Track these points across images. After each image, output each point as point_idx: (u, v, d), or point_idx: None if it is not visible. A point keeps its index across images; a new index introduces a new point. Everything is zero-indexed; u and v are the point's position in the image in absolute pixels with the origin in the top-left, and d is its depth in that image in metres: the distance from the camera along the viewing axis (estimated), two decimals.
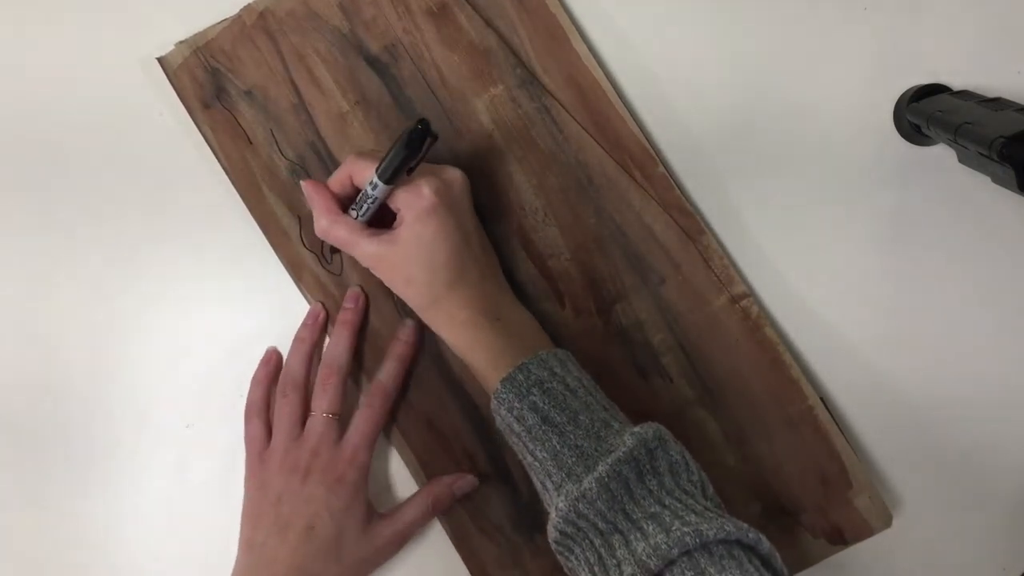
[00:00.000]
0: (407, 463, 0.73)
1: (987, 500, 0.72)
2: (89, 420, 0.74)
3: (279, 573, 0.66)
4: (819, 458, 0.70)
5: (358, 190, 0.65)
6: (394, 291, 0.67)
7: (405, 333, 0.71)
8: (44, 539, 0.75)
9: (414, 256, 0.63)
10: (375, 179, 0.61)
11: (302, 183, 0.67)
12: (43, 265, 0.75)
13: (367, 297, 0.72)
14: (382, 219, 0.65)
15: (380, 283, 0.71)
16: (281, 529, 0.67)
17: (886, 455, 0.72)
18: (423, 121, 0.59)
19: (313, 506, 0.67)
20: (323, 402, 0.69)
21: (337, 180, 0.66)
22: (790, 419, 0.70)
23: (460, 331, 0.65)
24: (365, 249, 0.64)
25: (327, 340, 0.72)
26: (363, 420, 0.69)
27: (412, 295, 0.66)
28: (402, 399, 0.72)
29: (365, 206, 0.64)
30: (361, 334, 0.72)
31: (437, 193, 0.63)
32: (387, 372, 0.70)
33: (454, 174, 0.66)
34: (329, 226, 0.65)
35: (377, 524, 0.70)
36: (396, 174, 0.61)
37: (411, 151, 0.59)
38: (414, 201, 0.63)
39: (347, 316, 0.71)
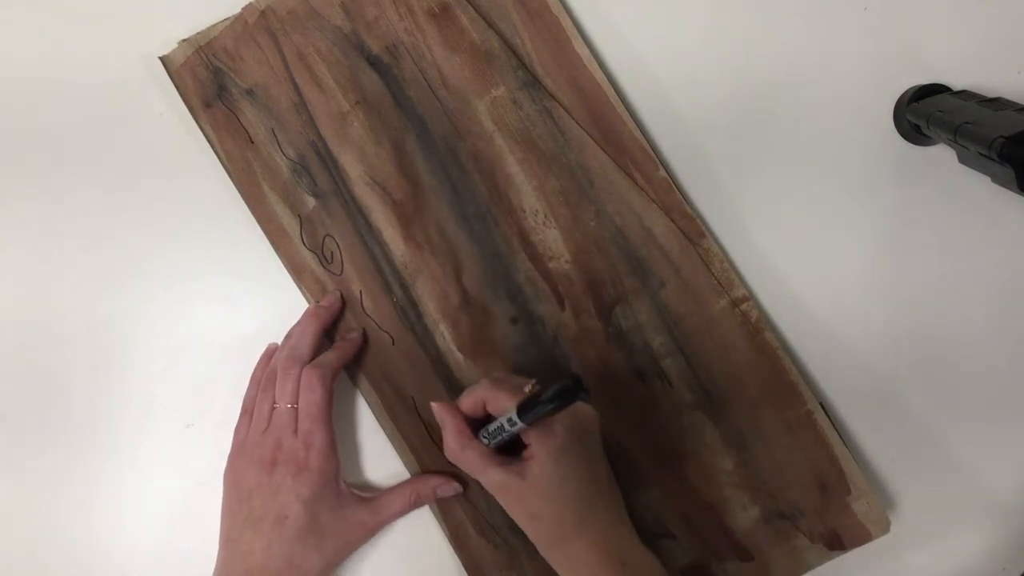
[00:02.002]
0: (406, 463, 0.73)
1: (986, 502, 0.72)
2: (89, 420, 0.74)
3: (256, 564, 0.66)
4: (818, 463, 0.70)
5: (488, 414, 0.65)
6: (518, 524, 0.65)
7: (353, 337, 0.72)
8: (44, 539, 0.75)
9: (543, 493, 0.62)
10: (514, 418, 0.60)
11: (433, 405, 0.66)
12: (43, 264, 0.75)
13: (344, 305, 0.73)
14: (511, 442, 0.65)
15: (379, 284, 0.72)
16: (255, 522, 0.67)
17: (885, 460, 0.72)
18: (577, 379, 0.57)
19: (282, 496, 0.67)
20: (285, 393, 0.69)
21: (470, 403, 0.65)
22: (789, 423, 0.70)
23: (583, 574, 0.64)
24: (493, 477, 0.63)
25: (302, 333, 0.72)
26: (307, 404, 0.69)
27: (536, 531, 0.64)
28: (402, 399, 0.72)
29: (499, 437, 0.63)
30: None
31: (570, 432, 0.62)
32: (327, 357, 0.70)
33: (588, 413, 0.65)
34: (460, 451, 0.64)
35: (355, 508, 0.70)
36: (538, 420, 0.60)
37: (560, 406, 0.59)
38: (548, 439, 0.62)
39: (319, 311, 0.72)
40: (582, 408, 0.64)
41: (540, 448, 0.62)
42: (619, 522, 0.65)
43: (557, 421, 0.62)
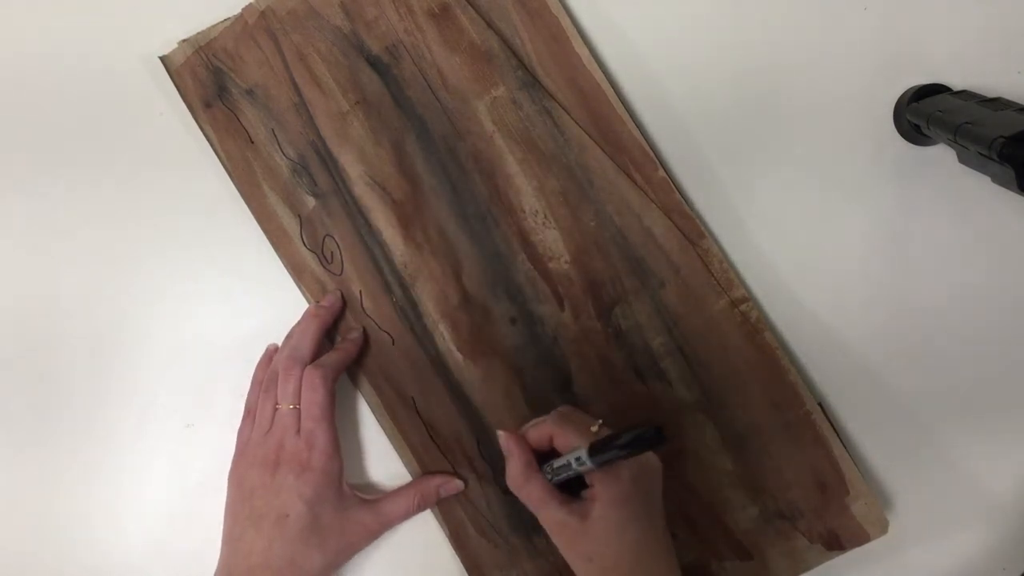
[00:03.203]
0: (406, 464, 0.73)
1: (986, 502, 0.72)
2: (89, 420, 0.74)
3: (257, 563, 0.66)
4: (816, 463, 0.70)
5: (551, 448, 0.64)
6: (571, 565, 0.64)
7: (354, 337, 0.72)
8: (44, 538, 0.75)
9: (601, 536, 0.62)
10: (584, 457, 0.60)
11: (500, 434, 0.66)
12: (43, 265, 0.75)
13: (344, 305, 0.73)
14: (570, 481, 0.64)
15: (379, 284, 0.72)
16: (256, 521, 0.67)
17: (884, 460, 0.72)
18: (658, 429, 0.57)
19: (284, 496, 0.67)
20: (287, 394, 0.69)
21: (536, 436, 0.65)
22: (788, 424, 0.70)
23: None
24: (554, 515, 0.63)
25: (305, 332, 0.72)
26: (309, 404, 0.69)
27: (589, 572, 0.63)
28: (402, 399, 0.72)
29: (563, 474, 0.63)
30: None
31: (635, 481, 0.62)
32: (329, 358, 0.70)
33: (653, 463, 0.64)
34: (524, 484, 0.64)
35: (358, 510, 0.70)
36: (609, 463, 0.60)
37: (635, 452, 0.58)
38: (612, 484, 0.61)
39: (319, 312, 0.72)
40: (649, 457, 0.64)
41: (604, 491, 0.61)
42: (672, 572, 0.64)
43: (624, 466, 0.61)
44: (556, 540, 0.64)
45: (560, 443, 0.63)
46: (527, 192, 0.72)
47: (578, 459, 0.60)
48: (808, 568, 0.70)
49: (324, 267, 0.73)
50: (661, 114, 0.73)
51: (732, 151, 0.72)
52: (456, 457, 0.72)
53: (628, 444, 0.57)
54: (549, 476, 0.64)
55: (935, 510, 0.72)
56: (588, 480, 0.62)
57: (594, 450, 0.59)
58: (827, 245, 0.72)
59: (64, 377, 0.75)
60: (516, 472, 0.64)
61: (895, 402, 0.72)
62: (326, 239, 0.72)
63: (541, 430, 0.64)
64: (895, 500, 0.72)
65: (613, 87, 0.71)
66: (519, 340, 0.72)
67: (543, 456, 0.64)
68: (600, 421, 0.63)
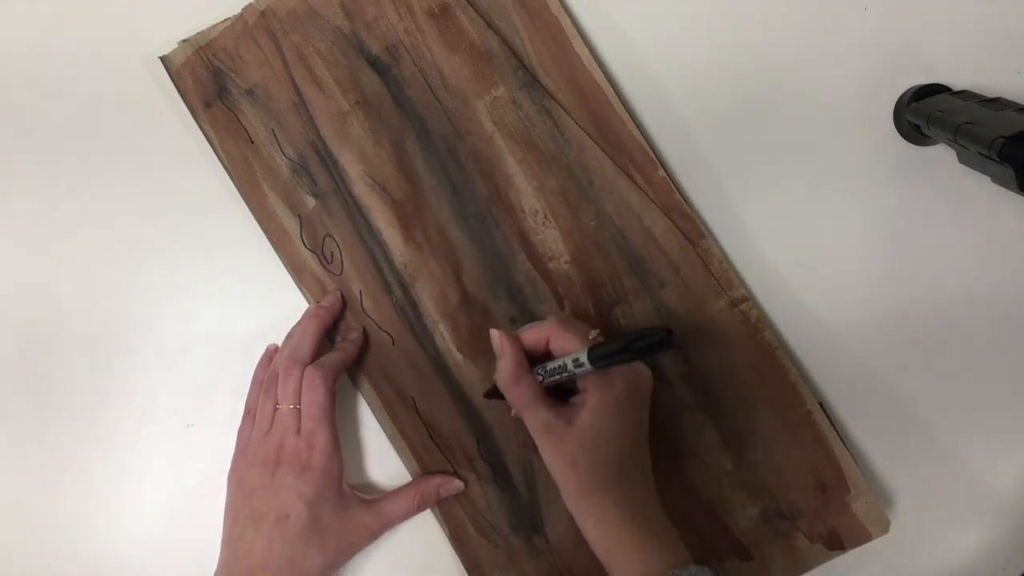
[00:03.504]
0: (406, 464, 0.73)
1: (986, 502, 0.72)
2: (89, 420, 0.75)
3: (256, 563, 0.66)
4: (817, 463, 0.70)
5: (547, 351, 0.64)
6: (550, 469, 0.64)
7: (354, 338, 0.72)
8: (44, 538, 0.75)
9: (587, 441, 0.62)
10: (584, 360, 0.60)
11: (493, 332, 0.66)
12: (43, 264, 0.75)
13: (345, 305, 0.73)
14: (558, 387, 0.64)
15: (379, 284, 0.72)
16: (256, 521, 0.67)
17: (884, 460, 0.72)
18: (668, 331, 0.57)
19: (284, 495, 0.67)
20: (287, 394, 0.69)
21: (532, 337, 0.65)
22: (788, 423, 0.70)
23: (608, 529, 0.63)
24: (540, 416, 0.63)
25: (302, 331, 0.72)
26: (310, 404, 0.69)
27: (570, 478, 0.63)
28: (402, 399, 0.72)
29: (556, 377, 0.63)
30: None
31: (628, 388, 0.62)
32: (329, 358, 0.70)
33: (645, 373, 0.65)
34: (514, 383, 0.64)
35: (358, 510, 0.70)
36: (609, 366, 0.59)
37: (642, 356, 0.58)
38: (606, 390, 0.62)
39: (319, 312, 0.72)
40: (641, 367, 0.64)
41: (595, 397, 0.62)
42: (650, 486, 0.65)
43: (618, 374, 0.62)
44: (539, 442, 0.64)
45: (557, 346, 0.63)
46: (527, 192, 0.72)
47: (576, 361, 0.60)
48: (809, 568, 0.70)
49: (324, 267, 0.73)
50: (661, 114, 0.73)
51: (732, 151, 0.72)
52: (456, 457, 0.72)
53: (639, 351, 0.57)
54: (540, 378, 0.64)
55: (936, 510, 0.72)
56: (580, 385, 0.63)
57: (595, 353, 0.59)
58: (827, 245, 0.72)
59: (64, 377, 0.75)
60: (507, 371, 0.64)
61: (895, 402, 0.72)
62: (326, 239, 0.72)
63: (537, 332, 0.65)
64: (896, 499, 0.72)
65: (613, 87, 0.71)
66: None
67: (535, 360, 0.65)
68: (598, 330, 0.63)
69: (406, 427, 0.72)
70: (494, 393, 0.67)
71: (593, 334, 0.63)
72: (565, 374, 0.62)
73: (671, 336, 0.56)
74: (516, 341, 0.65)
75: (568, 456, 0.63)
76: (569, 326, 0.64)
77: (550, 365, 0.63)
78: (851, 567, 0.71)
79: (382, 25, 0.72)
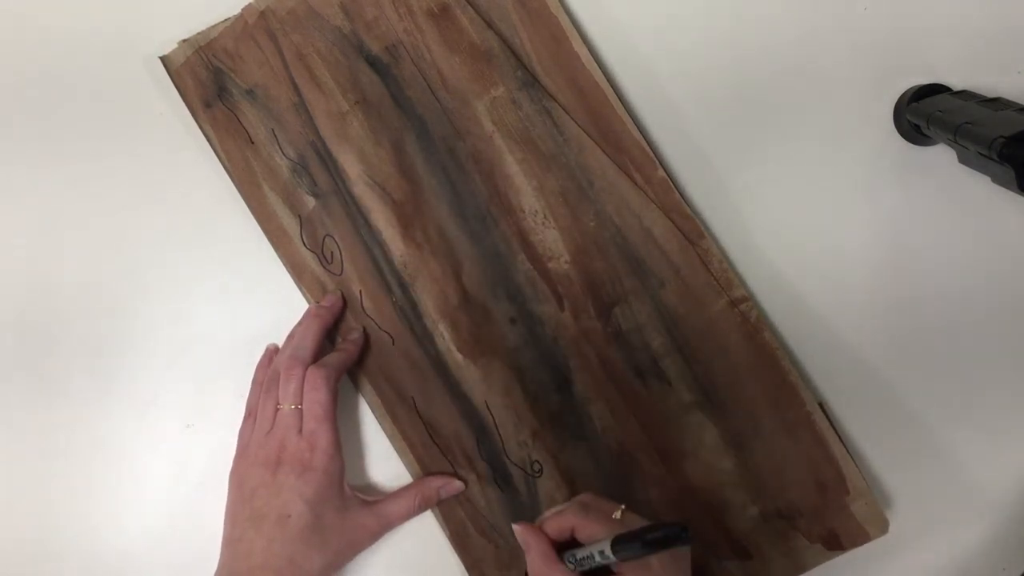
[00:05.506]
0: (407, 464, 0.73)
1: (986, 502, 0.72)
2: (89, 420, 0.75)
3: (257, 563, 0.66)
4: (817, 463, 0.70)
5: (573, 537, 0.62)
6: None
7: (355, 338, 0.72)
8: (44, 538, 0.75)
9: None
10: (608, 552, 0.58)
11: (515, 527, 0.63)
12: (43, 264, 0.75)
13: (345, 305, 0.73)
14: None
15: (379, 284, 0.72)
16: (257, 521, 0.67)
17: (884, 460, 0.72)
18: (683, 528, 0.55)
19: (284, 495, 0.67)
20: (288, 394, 0.69)
21: (556, 528, 0.62)
22: (788, 424, 0.70)
23: None
24: None
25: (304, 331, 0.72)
26: (312, 404, 0.69)
27: None
28: (402, 399, 0.72)
29: (586, 564, 0.60)
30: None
31: (665, 570, 0.60)
32: (331, 359, 0.70)
33: (684, 551, 0.62)
34: (545, 574, 0.61)
35: (359, 511, 0.70)
36: (633, 559, 0.58)
37: (659, 550, 0.56)
38: (641, 569, 0.59)
39: (320, 311, 0.72)
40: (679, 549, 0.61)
41: None
42: None
43: (655, 559, 0.59)
44: None
45: (583, 535, 0.61)
46: (527, 192, 0.72)
47: (602, 553, 0.58)
48: (808, 568, 0.70)
49: (324, 267, 0.73)
50: (660, 114, 0.73)
51: (732, 151, 0.72)
52: (456, 457, 0.72)
53: (653, 542, 0.55)
54: (572, 566, 0.61)
55: (935, 510, 0.72)
56: (616, 568, 0.60)
57: (617, 546, 0.57)
58: (827, 245, 0.72)
59: (64, 377, 0.75)
60: (536, 565, 0.61)
61: (895, 402, 0.72)
62: (326, 239, 0.72)
63: (561, 521, 0.62)
64: (895, 500, 0.72)
65: (613, 87, 0.71)
66: (519, 340, 0.72)
67: (564, 545, 0.62)
68: (623, 507, 0.61)
69: (406, 427, 0.72)
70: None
71: (617, 513, 0.60)
72: (593, 563, 0.59)
73: (686, 532, 0.55)
74: (539, 532, 0.62)
75: None
76: (592, 512, 0.61)
77: (580, 554, 0.60)
78: (850, 567, 0.71)
79: (382, 25, 0.72)
